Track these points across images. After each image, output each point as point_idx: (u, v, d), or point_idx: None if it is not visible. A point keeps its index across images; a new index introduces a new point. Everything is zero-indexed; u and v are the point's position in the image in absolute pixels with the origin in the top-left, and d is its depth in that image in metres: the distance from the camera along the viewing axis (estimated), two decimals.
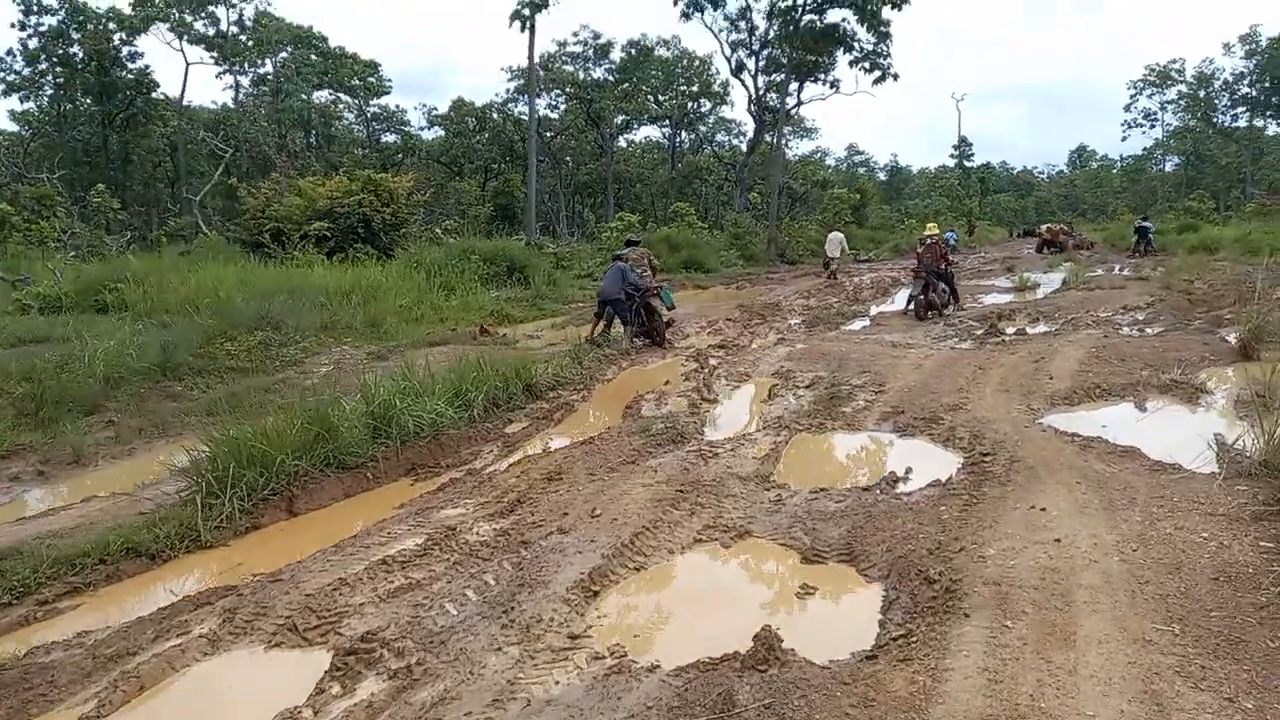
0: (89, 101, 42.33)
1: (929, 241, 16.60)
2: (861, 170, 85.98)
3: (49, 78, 41.87)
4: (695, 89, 53.91)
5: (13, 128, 45.31)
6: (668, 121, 56.12)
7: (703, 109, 56.19)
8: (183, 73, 45.82)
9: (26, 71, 41.38)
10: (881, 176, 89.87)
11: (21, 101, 42.09)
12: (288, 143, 41.60)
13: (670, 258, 27.65)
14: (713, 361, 11.79)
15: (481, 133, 53.67)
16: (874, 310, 18.16)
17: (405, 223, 23.00)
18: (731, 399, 9.56)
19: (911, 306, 16.11)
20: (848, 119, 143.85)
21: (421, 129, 54.05)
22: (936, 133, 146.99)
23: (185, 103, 42.72)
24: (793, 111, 40.97)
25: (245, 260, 19.00)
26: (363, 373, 8.98)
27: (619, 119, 53.56)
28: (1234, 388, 8.80)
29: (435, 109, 56.85)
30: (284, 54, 45.48)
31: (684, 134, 59.39)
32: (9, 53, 41.19)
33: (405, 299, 15.28)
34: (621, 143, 59.81)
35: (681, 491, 5.77)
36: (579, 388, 9.91)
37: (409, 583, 4.51)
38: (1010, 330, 13.22)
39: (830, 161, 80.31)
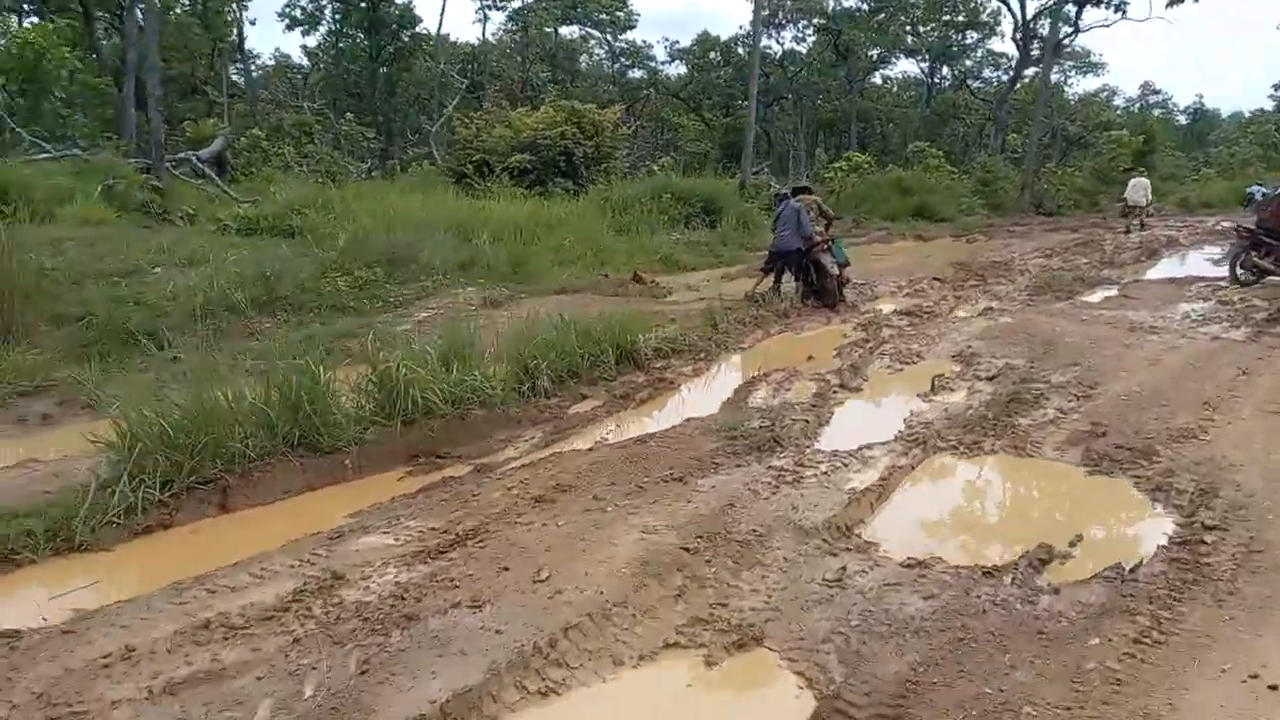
0: (361, 36, 44.42)
1: None
2: (1157, 112, 75.00)
3: (327, 13, 44.38)
4: (961, 18, 48.44)
5: (305, 62, 48.89)
6: (926, 55, 51.01)
7: (967, 41, 50.50)
8: (440, 7, 47.00)
9: (310, 7, 44.02)
10: (1181, 120, 78.13)
11: (303, 35, 44.92)
12: (530, 76, 41.56)
13: (899, 204, 24.70)
14: (886, 332, 9.50)
15: (725, 67, 51.49)
16: (1129, 277, 14.67)
17: (609, 157, 21.68)
18: (879, 389, 7.35)
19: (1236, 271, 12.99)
20: (1144, 53, 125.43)
21: (664, 64, 52.46)
22: (1255, 70, 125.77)
23: (450, 37, 43.93)
24: (1066, 40, 35.40)
25: (444, 190, 18.51)
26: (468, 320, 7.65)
27: (872, 52, 49.38)
28: None
29: (678, 43, 54.87)
30: None
31: (945, 69, 53.98)
32: None
33: (572, 237, 13.92)
34: (876, 79, 55.42)
35: (689, 549, 3.88)
36: (699, 357, 8.06)
37: (208, 671, 3.02)
38: None
39: (1119, 101, 70.40)
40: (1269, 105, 62.59)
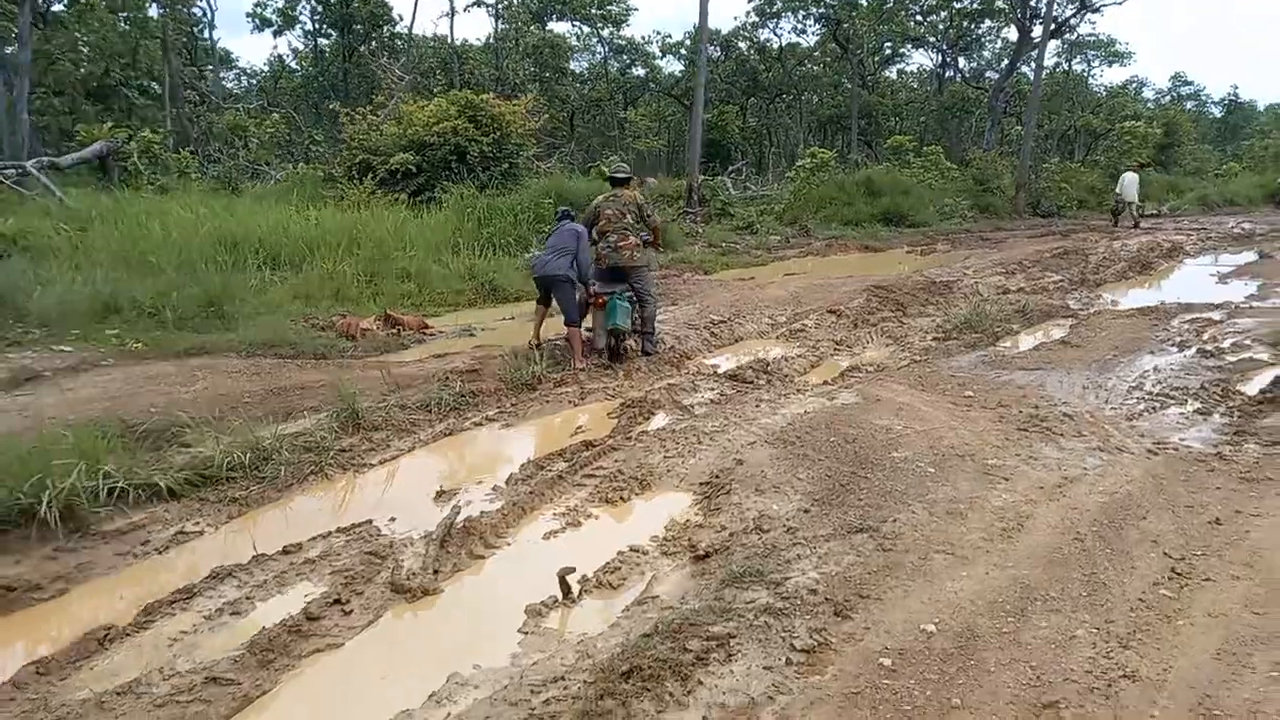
0: (335, 35, 41.50)
1: None
2: (1190, 105, 68.82)
3: (305, 13, 41.54)
4: (974, 5, 43.73)
5: (258, 65, 46.13)
6: (939, 46, 46.31)
7: (979, 30, 45.75)
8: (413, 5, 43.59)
9: (283, 6, 41.25)
10: (1215, 112, 71.91)
11: (274, 36, 42.40)
12: (505, 73, 38.06)
13: (865, 206, 20.79)
14: (656, 422, 5.90)
15: (726, 62, 47.62)
16: (1100, 304, 10.79)
17: (514, 155, 18.09)
18: (451, 600, 3.72)
19: None
20: (1175, 42, 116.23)
21: (656, 59, 48.65)
22: None
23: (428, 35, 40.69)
24: (1073, 19, 30.88)
25: (300, 198, 15.26)
26: None
27: (884, 44, 45.05)
28: None
29: (670, 37, 50.96)
30: None
31: (962, 61, 49.23)
32: None
33: (356, 260, 10.44)
34: (891, 74, 51.21)
35: None
36: (225, 503, 4.49)
37: None
38: None
39: (1149, 94, 64.59)
40: None
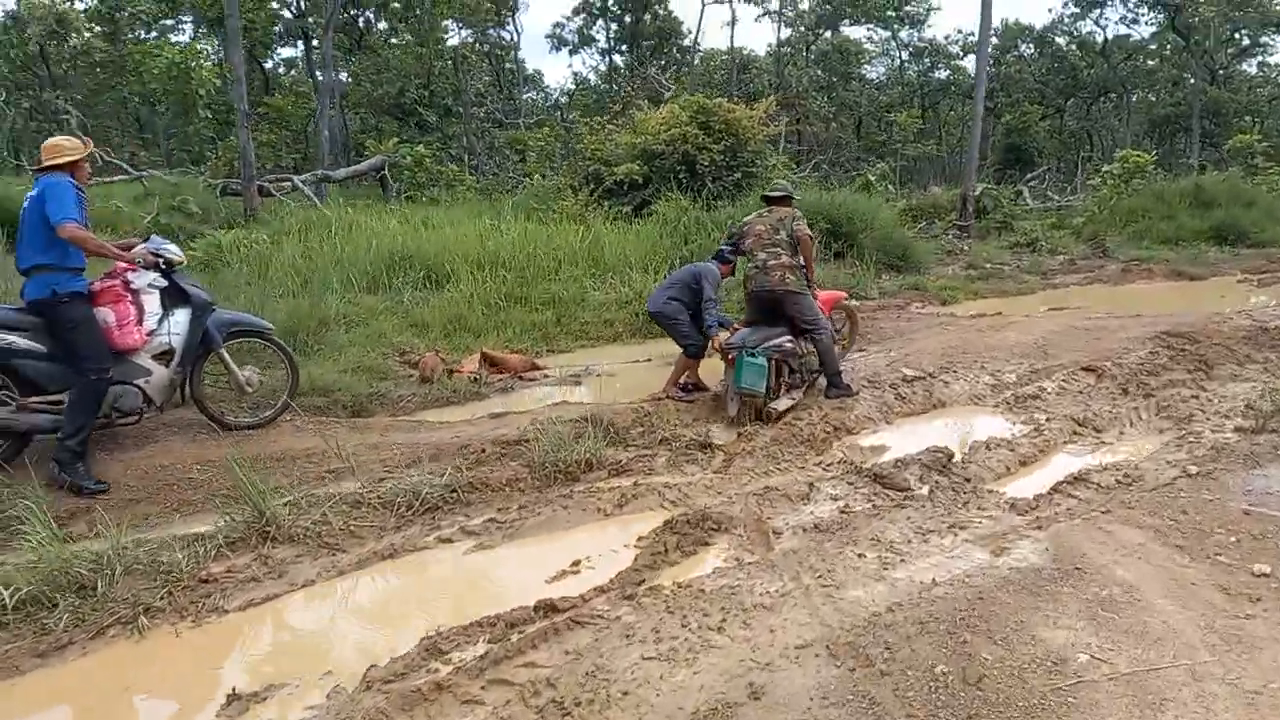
0: (626, 52, 41.81)
1: None
2: None
3: (600, 32, 42.31)
4: None
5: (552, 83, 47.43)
6: None
7: None
8: (698, 14, 42.63)
9: (579, 26, 42.20)
10: None
11: (570, 55, 43.63)
12: (787, 80, 35.80)
13: (1190, 221, 16.21)
14: (692, 566, 3.68)
15: (1040, 59, 41.84)
16: None
17: (749, 164, 15.97)
18: None
19: None
20: None
21: (958, 60, 43.83)
22: None
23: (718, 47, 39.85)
24: None
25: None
26: None
27: (1238, 32, 37.01)
28: None
29: (972, 35, 45.48)
30: None
31: None
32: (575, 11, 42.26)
33: (501, 284, 9.03)
34: (1248, 68, 42.27)
35: None
36: None
37: None
38: None
39: None
40: None
